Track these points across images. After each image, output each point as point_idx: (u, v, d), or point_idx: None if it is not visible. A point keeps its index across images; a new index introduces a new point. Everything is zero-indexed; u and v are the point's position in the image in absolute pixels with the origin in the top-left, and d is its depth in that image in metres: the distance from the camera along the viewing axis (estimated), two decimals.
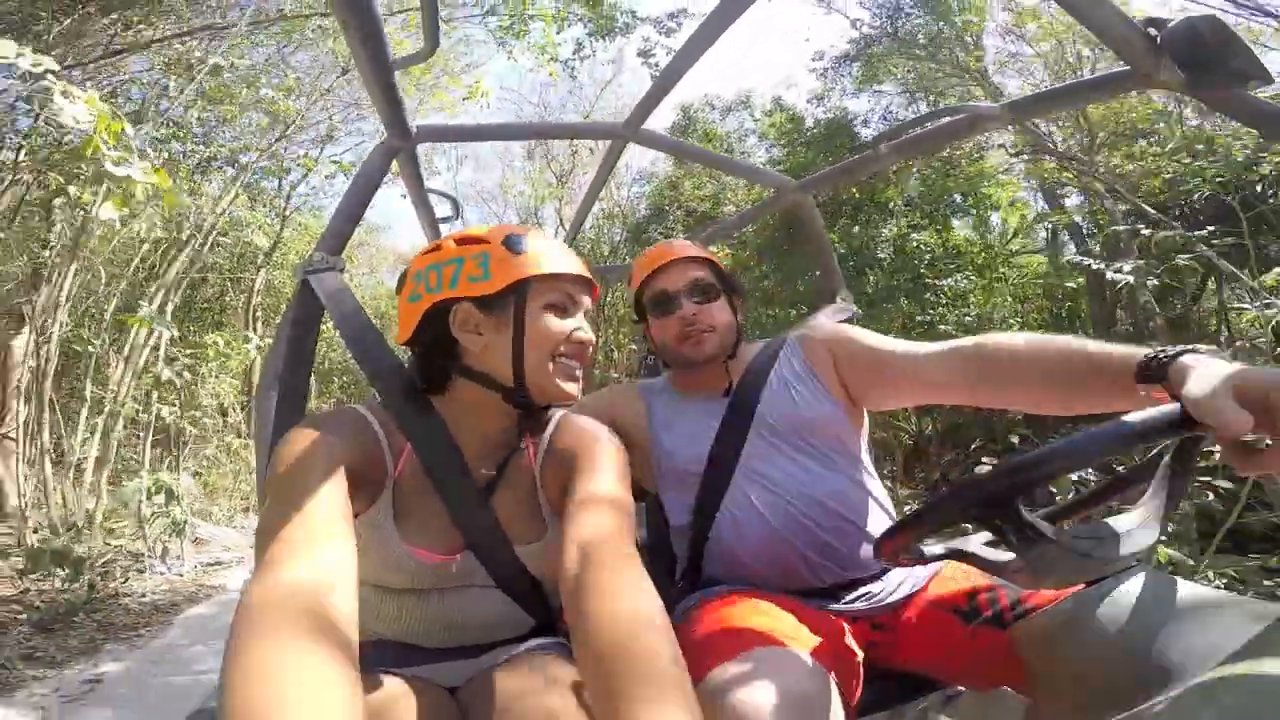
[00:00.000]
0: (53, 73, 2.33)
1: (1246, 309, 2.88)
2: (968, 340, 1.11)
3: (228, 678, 0.56)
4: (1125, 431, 0.69)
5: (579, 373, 0.99)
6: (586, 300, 1.00)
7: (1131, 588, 0.81)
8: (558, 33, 7.27)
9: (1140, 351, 0.84)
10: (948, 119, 1.34)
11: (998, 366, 1.05)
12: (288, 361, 1.24)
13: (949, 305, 6.72)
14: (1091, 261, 3.99)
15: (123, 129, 2.39)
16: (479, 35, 8.06)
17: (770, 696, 0.81)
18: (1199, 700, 0.54)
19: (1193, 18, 0.92)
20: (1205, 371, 0.72)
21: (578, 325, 0.97)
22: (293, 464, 0.80)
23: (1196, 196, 3.97)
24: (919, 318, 6.50)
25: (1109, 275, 3.59)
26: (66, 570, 4.04)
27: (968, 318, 6.73)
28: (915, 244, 7.16)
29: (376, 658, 0.91)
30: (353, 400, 11.73)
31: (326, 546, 0.70)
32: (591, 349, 1.01)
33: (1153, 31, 0.94)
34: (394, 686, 0.86)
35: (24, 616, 3.72)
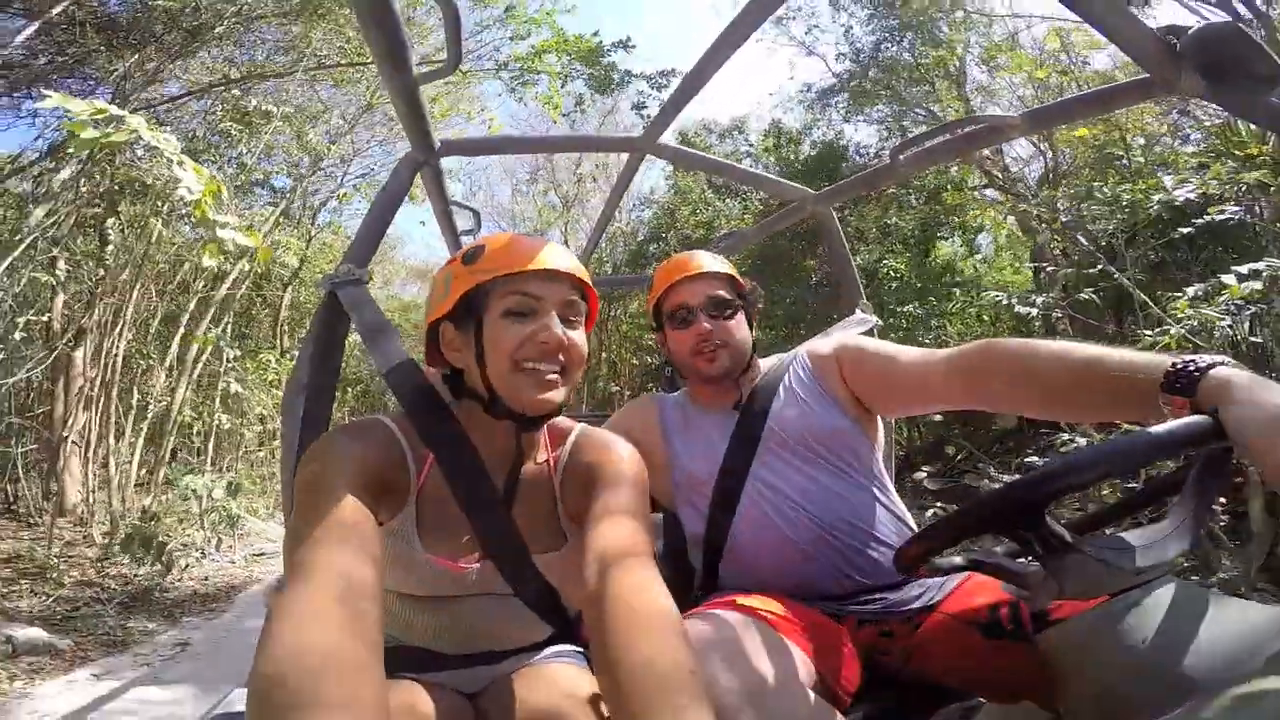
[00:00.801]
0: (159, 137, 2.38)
1: (1146, 334, 2.86)
2: (976, 345, 1.02)
3: (256, 682, 0.52)
4: (1154, 443, 0.62)
5: (553, 377, 0.83)
6: (561, 296, 0.84)
7: (1159, 599, 0.73)
8: (562, 87, 7.37)
9: (1165, 360, 0.74)
10: (968, 128, 1.25)
11: (1006, 372, 0.95)
12: (314, 371, 1.18)
13: (909, 330, 6.64)
14: (1001, 296, 3.98)
15: (219, 190, 2.41)
16: (485, 83, 8.13)
17: (713, 644, 0.83)
18: (1225, 714, 0.50)
19: (1212, 24, 0.83)
20: (1252, 398, 0.64)
21: (540, 327, 0.82)
22: (319, 474, 0.73)
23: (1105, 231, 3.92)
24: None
25: (1018, 309, 3.56)
26: (151, 552, 4.28)
27: (925, 341, 6.65)
28: (886, 270, 7.09)
29: (397, 663, 0.82)
30: (366, 409, 11.73)
31: (352, 555, 0.64)
32: (569, 349, 0.84)
33: (1172, 39, 0.85)
34: (414, 692, 0.80)
35: (106, 597, 4.00)
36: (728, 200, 9.94)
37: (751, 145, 10.97)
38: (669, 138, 1.65)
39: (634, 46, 7.56)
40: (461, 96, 7.98)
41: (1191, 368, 0.70)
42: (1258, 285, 2.55)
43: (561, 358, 0.83)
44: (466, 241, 2.05)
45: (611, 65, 7.57)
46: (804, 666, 0.88)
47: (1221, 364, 0.70)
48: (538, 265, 0.82)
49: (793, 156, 9.36)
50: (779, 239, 7.79)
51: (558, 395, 0.84)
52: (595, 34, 7.26)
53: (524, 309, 0.82)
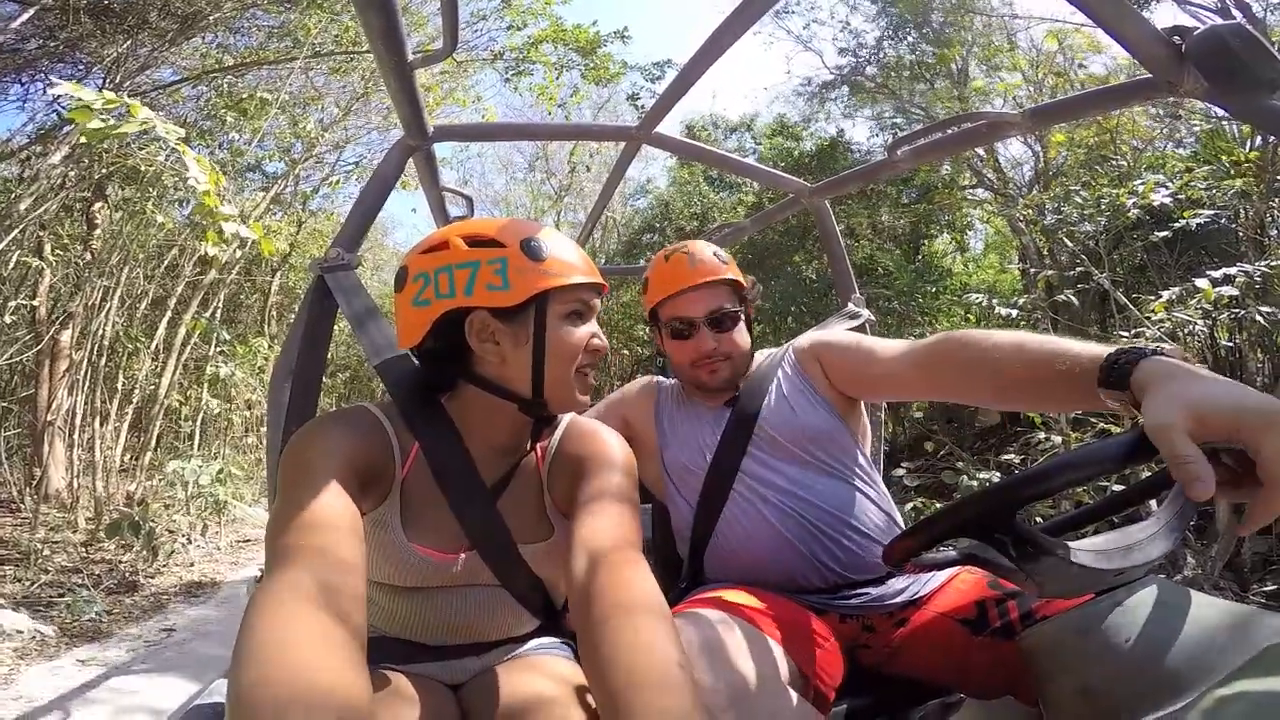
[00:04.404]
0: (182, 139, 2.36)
1: (1124, 335, 2.88)
2: (939, 337, 1.00)
3: (237, 672, 0.50)
4: (1105, 456, 0.60)
5: (593, 378, 0.88)
6: (598, 303, 0.89)
7: (1143, 598, 0.72)
8: (557, 78, 7.30)
9: (1105, 351, 0.71)
10: (967, 125, 1.23)
11: (959, 363, 0.94)
12: (301, 356, 1.15)
13: (896, 327, 6.68)
14: (981, 297, 4.00)
15: (220, 182, 2.39)
16: (480, 71, 8.01)
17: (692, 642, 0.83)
18: (1203, 710, 0.50)
19: (1218, 26, 0.81)
20: (1165, 392, 0.60)
21: (594, 332, 0.86)
22: (303, 461, 0.71)
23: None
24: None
25: (998, 310, 3.57)
26: (139, 538, 4.23)
27: (912, 337, 6.66)
28: (875, 266, 7.12)
29: (380, 654, 0.82)
30: (355, 395, 11.59)
31: (335, 544, 0.62)
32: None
33: (1177, 40, 0.83)
34: (397, 683, 0.78)
35: (92, 583, 3.96)
36: (722, 193, 9.91)
37: (758, 143, 10.83)
38: (674, 129, 1.62)
39: (630, 38, 7.47)
40: (457, 85, 7.86)
41: (1124, 360, 0.67)
42: (1232, 290, 2.56)
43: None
44: None
45: (608, 56, 7.48)
46: (786, 664, 0.88)
47: (1155, 354, 0.66)
48: (595, 278, 0.85)
49: (795, 150, 9.26)
50: (768, 232, 7.78)
51: (590, 395, 0.88)
52: (594, 24, 7.18)
53: (581, 313, 0.85)
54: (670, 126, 1.56)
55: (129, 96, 2.52)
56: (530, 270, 0.80)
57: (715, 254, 1.23)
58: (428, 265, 0.81)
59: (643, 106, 8.83)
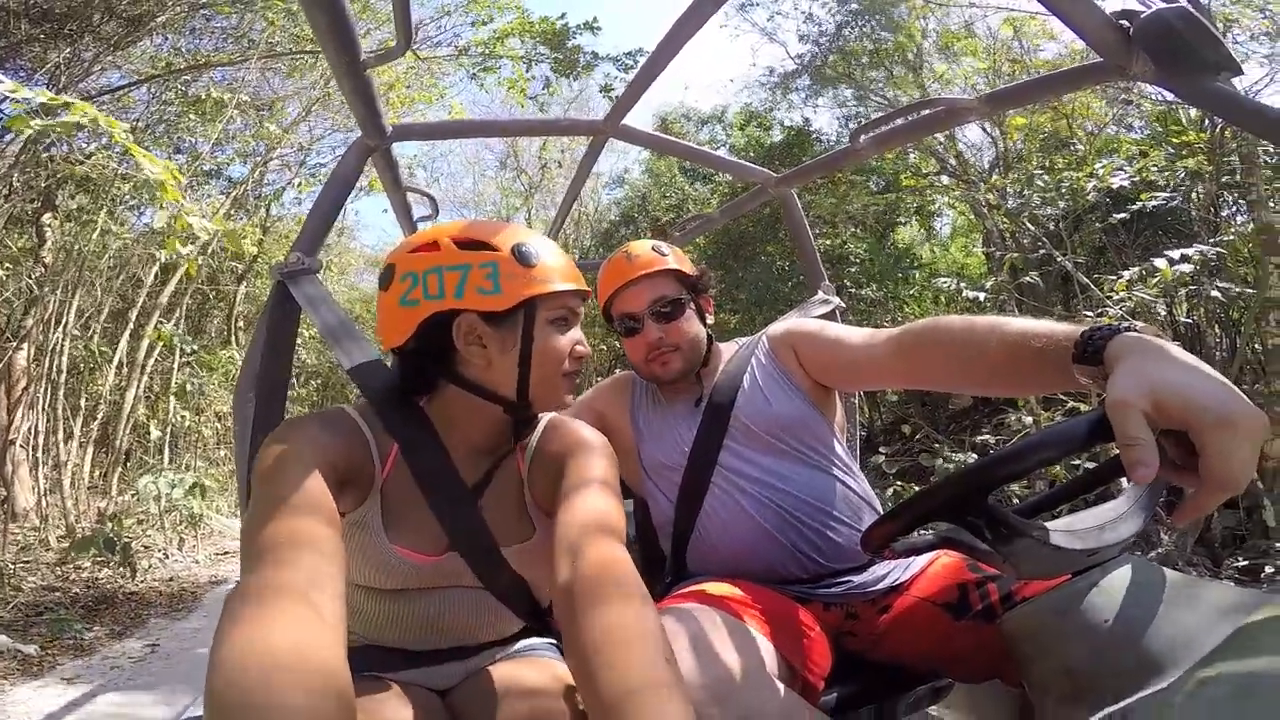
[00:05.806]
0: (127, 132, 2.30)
1: (1087, 315, 2.96)
2: (916, 324, 0.99)
3: (214, 682, 0.48)
4: (1074, 435, 0.61)
5: (577, 380, 0.89)
6: (582, 309, 0.89)
7: (1120, 578, 0.73)
8: (526, 71, 7.19)
9: (1081, 329, 0.70)
10: (927, 111, 1.24)
11: (941, 351, 0.93)
12: (265, 363, 1.12)
13: (869, 313, 6.76)
14: (948, 280, 4.08)
15: (177, 176, 2.33)
16: (453, 71, 7.84)
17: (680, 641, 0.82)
18: (1186, 691, 0.51)
19: (1163, 9, 0.82)
20: (1129, 369, 0.59)
21: (578, 339, 0.87)
22: (279, 464, 0.69)
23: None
24: None
25: (966, 293, 3.63)
26: (116, 554, 4.14)
27: (884, 324, 6.78)
28: (846, 253, 7.20)
29: (365, 662, 0.80)
30: (326, 402, 11.39)
31: (314, 542, 0.61)
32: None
33: (1124, 23, 0.85)
34: (383, 691, 0.77)
35: (69, 601, 3.89)
36: (697, 185, 9.90)
37: (729, 134, 10.81)
38: (646, 122, 1.60)
39: (600, 29, 7.38)
40: (426, 84, 7.71)
41: (1098, 336, 0.67)
42: (1188, 269, 2.65)
43: None
44: (424, 229, 1.97)
45: (577, 48, 7.39)
46: (772, 657, 0.88)
47: (1128, 330, 0.65)
48: (582, 285, 0.86)
49: (764, 141, 9.29)
50: (741, 222, 7.79)
51: (574, 396, 0.91)
52: (562, 17, 7.08)
53: (566, 319, 0.85)
54: (643, 119, 1.55)
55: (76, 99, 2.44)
56: (521, 276, 0.79)
57: (654, 248, 1.23)
58: (417, 265, 0.80)
59: (617, 97, 8.70)
